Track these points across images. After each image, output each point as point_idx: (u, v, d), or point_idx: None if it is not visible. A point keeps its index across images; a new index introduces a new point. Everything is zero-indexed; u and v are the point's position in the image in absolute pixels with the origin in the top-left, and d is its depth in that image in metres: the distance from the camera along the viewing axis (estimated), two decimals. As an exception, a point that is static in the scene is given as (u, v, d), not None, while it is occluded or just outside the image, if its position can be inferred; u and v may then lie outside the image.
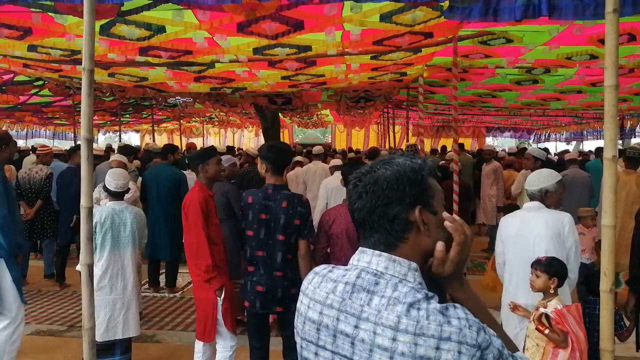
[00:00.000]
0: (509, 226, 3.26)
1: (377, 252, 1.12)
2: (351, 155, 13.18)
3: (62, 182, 6.49)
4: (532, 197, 3.25)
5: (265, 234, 3.22)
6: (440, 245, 1.12)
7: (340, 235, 3.32)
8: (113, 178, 3.81)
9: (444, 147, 16.17)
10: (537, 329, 2.68)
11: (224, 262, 3.59)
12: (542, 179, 3.23)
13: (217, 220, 3.59)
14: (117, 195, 3.84)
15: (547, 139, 20.54)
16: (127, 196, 5.08)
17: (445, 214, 1.15)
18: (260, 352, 3.45)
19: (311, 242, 3.34)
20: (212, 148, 3.82)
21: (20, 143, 17.34)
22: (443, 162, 8.94)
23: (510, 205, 6.34)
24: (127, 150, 7.86)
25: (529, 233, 3.13)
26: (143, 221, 3.97)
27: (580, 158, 9.82)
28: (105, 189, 3.87)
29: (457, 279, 1.17)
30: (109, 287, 3.69)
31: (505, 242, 3.26)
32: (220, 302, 3.47)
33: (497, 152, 12.18)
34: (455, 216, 1.15)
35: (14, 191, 3.99)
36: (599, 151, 8.99)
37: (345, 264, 1.19)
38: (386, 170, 1.13)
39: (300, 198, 3.29)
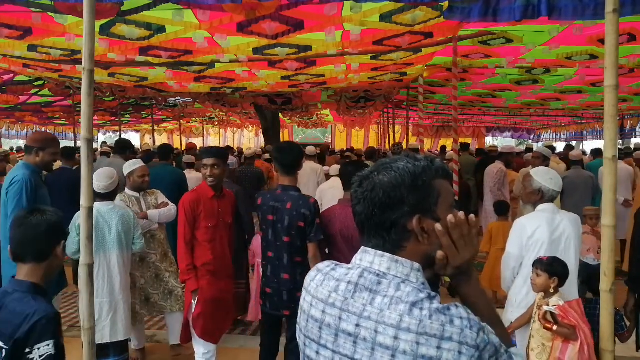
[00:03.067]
0: (537, 230, 3.09)
1: (379, 252, 1.11)
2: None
3: (54, 182, 6.28)
4: (551, 199, 3.17)
5: (272, 236, 3.22)
6: (439, 254, 1.09)
7: (335, 236, 3.29)
8: (96, 179, 3.64)
9: (443, 147, 16.09)
10: (545, 327, 2.69)
11: (211, 265, 3.50)
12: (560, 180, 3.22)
13: (208, 223, 3.50)
14: (102, 196, 3.71)
15: (539, 140, 20.53)
16: (159, 216, 4.35)
17: (449, 217, 1.08)
18: (269, 350, 3.45)
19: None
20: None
21: (21, 143, 17.32)
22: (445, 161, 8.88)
23: (501, 202, 6.27)
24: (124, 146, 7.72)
25: (562, 236, 3.08)
26: (131, 223, 3.79)
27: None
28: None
29: (464, 275, 1.14)
30: (94, 290, 3.60)
31: (531, 247, 3.11)
32: (193, 305, 3.44)
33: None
34: (452, 218, 1.09)
35: (32, 196, 3.57)
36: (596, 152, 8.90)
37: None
38: (384, 177, 1.10)
39: (307, 200, 3.21)
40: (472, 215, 1.12)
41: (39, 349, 1.68)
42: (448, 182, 1.13)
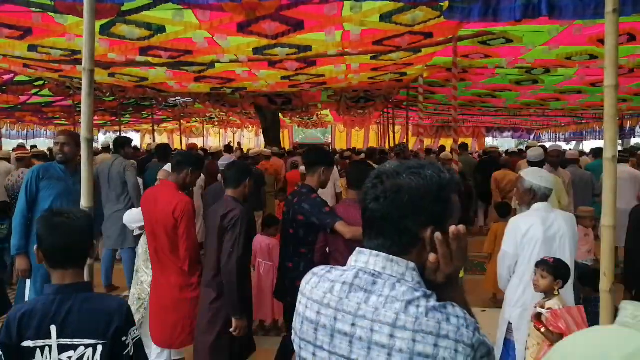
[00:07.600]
0: (531, 228, 3.10)
1: (374, 252, 1.11)
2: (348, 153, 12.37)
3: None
4: (544, 197, 3.18)
5: (284, 228, 3.46)
6: (432, 257, 1.07)
7: (337, 235, 3.30)
8: None
9: (442, 148, 16.00)
10: (535, 326, 2.70)
11: None
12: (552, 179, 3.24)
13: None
14: None
15: (539, 140, 20.54)
16: None
17: (451, 229, 1.07)
18: (288, 340, 3.47)
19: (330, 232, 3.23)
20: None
21: (21, 143, 17.26)
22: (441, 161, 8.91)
23: (503, 204, 6.27)
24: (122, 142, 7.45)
25: (556, 234, 3.08)
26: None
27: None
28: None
29: (453, 281, 1.12)
30: None
31: (525, 245, 3.11)
32: None
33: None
34: (454, 230, 1.07)
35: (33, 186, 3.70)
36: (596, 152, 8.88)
37: (343, 265, 1.18)
38: (412, 182, 1.08)
39: (307, 195, 3.27)
40: (462, 226, 1.10)
41: (131, 334, 1.76)
42: (458, 197, 1.13)
